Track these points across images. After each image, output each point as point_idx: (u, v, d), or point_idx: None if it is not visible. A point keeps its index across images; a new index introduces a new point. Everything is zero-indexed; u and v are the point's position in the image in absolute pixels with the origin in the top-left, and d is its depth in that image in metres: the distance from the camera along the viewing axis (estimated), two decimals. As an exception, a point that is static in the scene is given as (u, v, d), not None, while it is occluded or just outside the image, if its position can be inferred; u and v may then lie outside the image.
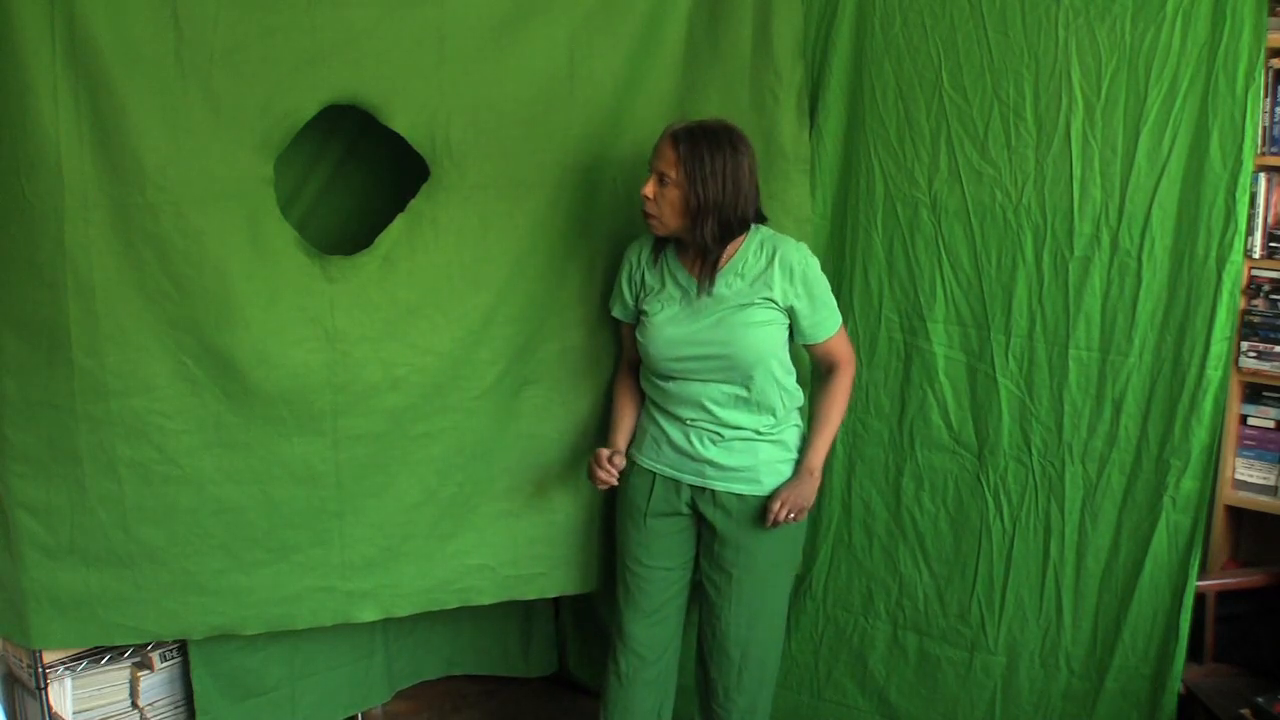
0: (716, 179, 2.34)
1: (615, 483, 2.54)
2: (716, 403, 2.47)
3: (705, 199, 2.34)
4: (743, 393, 2.46)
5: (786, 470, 2.53)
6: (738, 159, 2.36)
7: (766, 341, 2.43)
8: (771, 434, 2.51)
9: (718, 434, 2.49)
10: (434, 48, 2.46)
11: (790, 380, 2.53)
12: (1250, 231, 2.48)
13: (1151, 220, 2.44)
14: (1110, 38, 2.42)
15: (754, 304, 2.42)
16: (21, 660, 2.71)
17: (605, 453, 2.52)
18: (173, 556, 2.53)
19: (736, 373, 2.44)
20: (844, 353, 2.55)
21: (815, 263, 2.46)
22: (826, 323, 2.49)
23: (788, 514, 2.45)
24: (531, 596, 2.88)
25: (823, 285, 2.47)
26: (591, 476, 2.54)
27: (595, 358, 2.74)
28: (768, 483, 2.50)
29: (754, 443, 2.50)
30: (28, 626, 2.53)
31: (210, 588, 2.58)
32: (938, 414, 2.72)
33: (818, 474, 2.52)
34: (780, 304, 2.43)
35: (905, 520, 2.80)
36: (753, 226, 2.46)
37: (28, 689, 2.72)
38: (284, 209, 2.52)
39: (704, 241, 2.39)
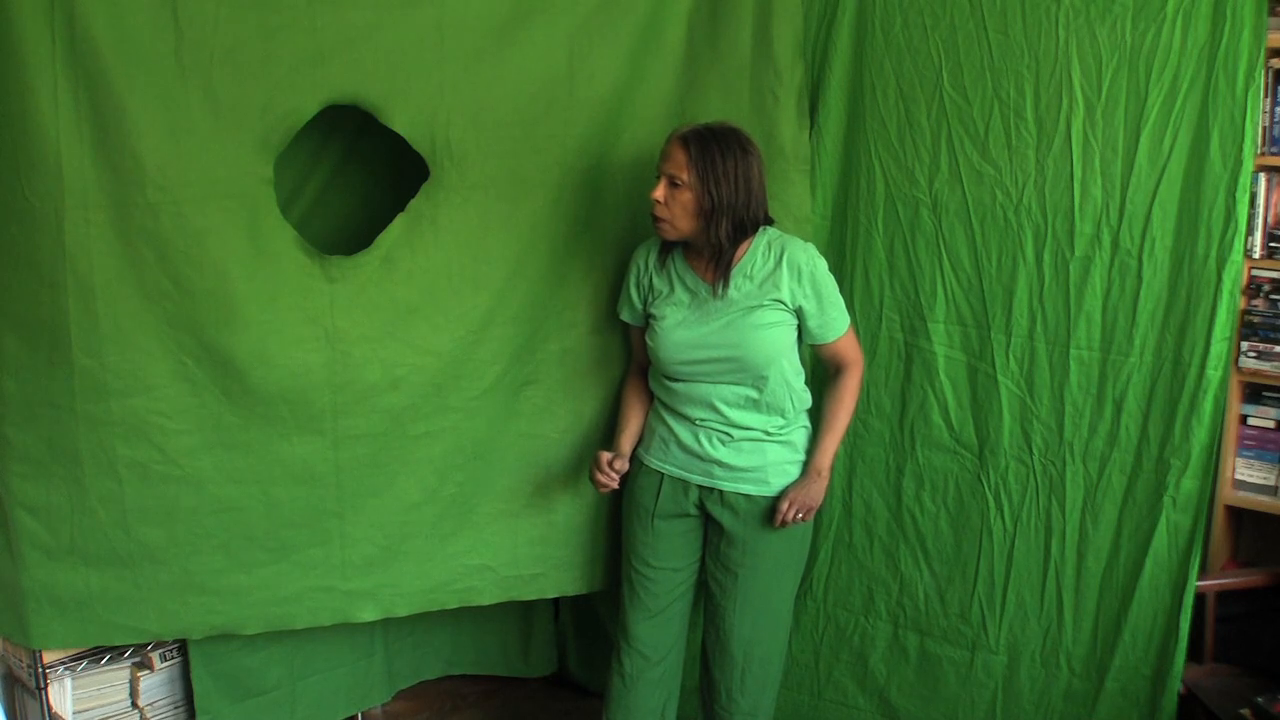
0: (729, 180, 2.35)
1: (615, 486, 2.54)
2: (727, 403, 2.48)
3: (719, 200, 2.35)
4: (754, 394, 2.46)
5: (794, 471, 2.53)
6: (748, 160, 2.38)
7: (776, 343, 2.44)
8: (780, 435, 2.51)
9: (727, 434, 2.49)
10: (434, 48, 2.46)
11: (800, 381, 2.54)
12: (1250, 231, 2.48)
13: (1152, 220, 2.44)
14: (1111, 38, 2.42)
15: (763, 305, 2.42)
16: (21, 660, 2.71)
17: (606, 456, 2.52)
18: (173, 556, 2.53)
19: (748, 374, 2.45)
20: (852, 353, 2.56)
21: (823, 263, 2.46)
22: (835, 323, 2.49)
23: (795, 514, 2.46)
24: (531, 597, 2.87)
25: (830, 285, 2.47)
26: (592, 479, 2.55)
27: (595, 358, 2.74)
28: (775, 483, 2.51)
29: (762, 443, 2.50)
30: (28, 626, 2.52)
31: (210, 587, 2.58)
32: (938, 414, 2.72)
33: (826, 474, 2.53)
34: (789, 305, 2.44)
35: (906, 520, 2.80)
36: (761, 228, 2.46)
37: (28, 689, 2.72)
38: (284, 209, 2.52)
39: (718, 242, 2.39)
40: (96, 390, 2.38)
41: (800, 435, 2.56)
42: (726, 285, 2.43)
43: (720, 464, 2.51)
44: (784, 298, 2.43)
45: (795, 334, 2.49)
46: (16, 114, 2.24)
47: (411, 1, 2.43)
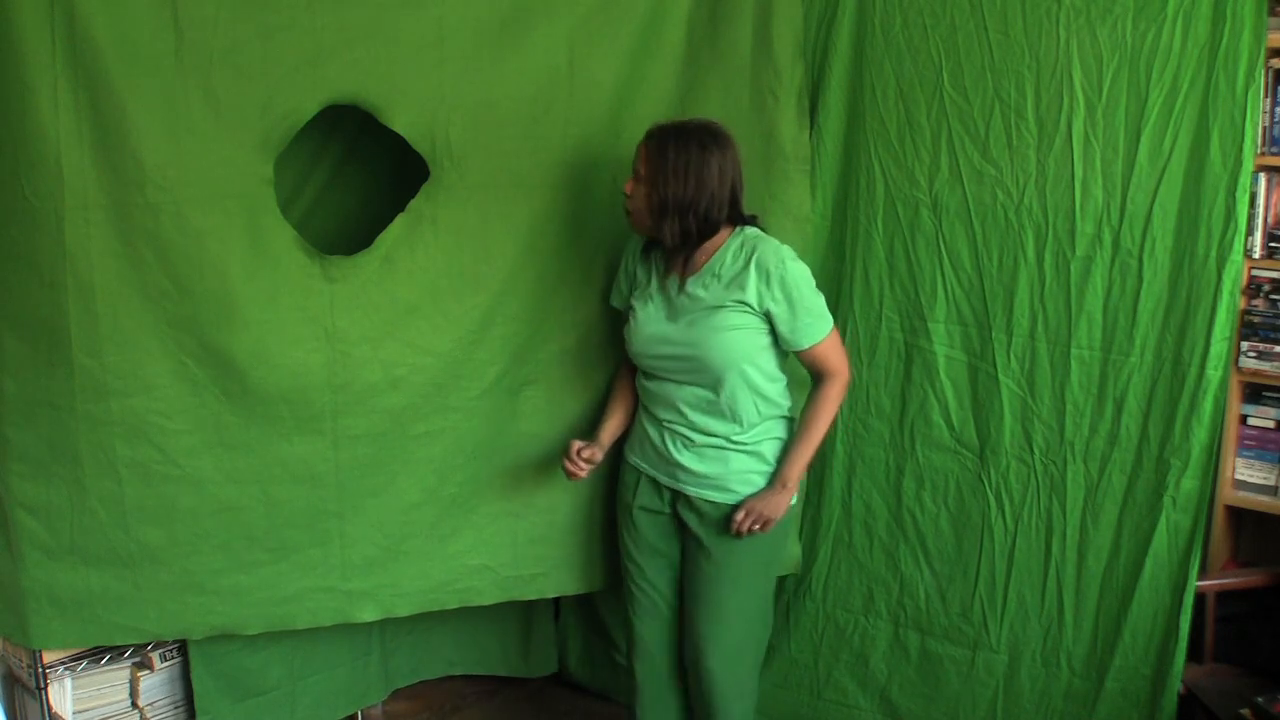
0: (679, 177, 2.30)
1: (582, 475, 2.53)
2: (689, 405, 2.45)
3: (666, 197, 2.32)
4: (712, 396, 2.42)
5: (760, 481, 2.47)
6: (705, 157, 2.31)
7: (737, 346, 2.37)
8: (745, 444, 2.45)
9: (689, 439, 2.47)
10: (434, 48, 2.46)
11: (773, 388, 2.45)
12: (1250, 231, 2.48)
13: (1152, 220, 2.44)
14: (1111, 38, 2.42)
15: (726, 307, 2.37)
16: (21, 660, 2.71)
17: (576, 445, 2.51)
18: (173, 556, 2.53)
19: (706, 376, 2.40)
20: (832, 362, 2.44)
21: (797, 266, 2.37)
22: (809, 329, 2.39)
23: (751, 524, 2.41)
24: (532, 597, 2.87)
25: (804, 289, 2.37)
26: (563, 467, 2.55)
27: (596, 358, 2.74)
28: (740, 491, 2.46)
29: (726, 451, 2.45)
30: (28, 626, 2.52)
31: (210, 588, 2.57)
32: (939, 414, 2.72)
33: (791, 487, 2.46)
34: (756, 308, 2.36)
35: (906, 520, 2.80)
36: (738, 228, 2.41)
37: (28, 689, 2.71)
38: (284, 209, 2.51)
39: (667, 240, 2.37)
40: (96, 390, 2.38)
41: (770, 446, 2.48)
42: (682, 284, 2.41)
43: (683, 469, 2.48)
44: (749, 300, 2.36)
45: (765, 338, 2.41)
46: (16, 114, 2.24)
47: (411, 1, 2.43)
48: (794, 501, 2.53)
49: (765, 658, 2.70)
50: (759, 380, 2.42)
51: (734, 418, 2.43)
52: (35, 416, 2.41)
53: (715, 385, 2.40)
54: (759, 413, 2.44)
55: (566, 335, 2.70)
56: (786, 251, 2.38)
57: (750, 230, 2.41)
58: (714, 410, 2.43)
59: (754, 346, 2.40)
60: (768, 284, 2.35)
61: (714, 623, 2.52)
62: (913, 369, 2.74)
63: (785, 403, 2.50)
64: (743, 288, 2.35)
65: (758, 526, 2.42)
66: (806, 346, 2.41)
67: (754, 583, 2.54)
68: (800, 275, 2.37)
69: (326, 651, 2.96)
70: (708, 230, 2.37)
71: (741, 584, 2.51)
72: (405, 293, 2.53)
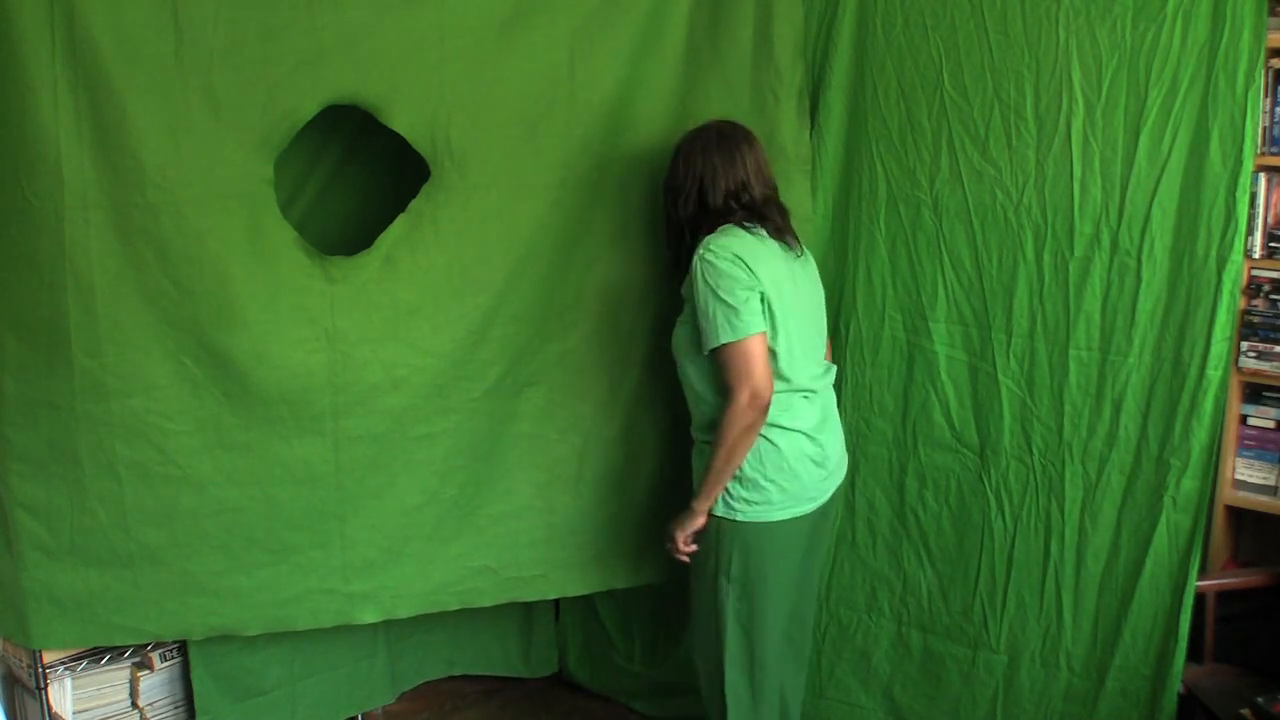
0: (667, 178, 2.44)
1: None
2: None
3: (663, 196, 2.47)
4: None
5: None
6: (676, 158, 2.43)
7: (678, 340, 2.41)
8: (704, 443, 2.40)
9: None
10: (434, 48, 2.46)
11: (712, 394, 2.34)
12: (1250, 231, 2.48)
13: (1152, 220, 2.44)
14: (1111, 38, 2.42)
15: (683, 300, 2.40)
16: (21, 660, 2.71)
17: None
18: (173, 557, 2.53)
19: None
20: (726, 377, 2.26)
21: (710, 265, 2.24)
22: (707, 332, 2.26)
23: (667, 542, 2.43)
24: (533, 598, 2.87)
25: (706, 291, 2.24)
26: None
27: (597, 358, 2.74)
28: (697, 491, 2.42)
29: (698, 445, 2.45)
30: (28, 626, 2.52)
31: (210, 588, 2.57)
32: (940, 413, 2.72)
33: (696, 513, 2.36)
34: (688, 301, 2.35)
35: (909, 518, 2.80)
36: (722, 225, 2.35)
37: (28, 689, 2.71)
38: (284, 209, 2.52)
39: (663, 236, 2.49)
40: (96, 390, 2.38)
41: None
42: (681, 278, 2.45)
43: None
44: (685, 293, 2.36)
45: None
46: (16, 114, 2.24)
47: (411, 1, 2.43)
48: (744, 520, 2.33)
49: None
50: (695, 379, 2.39)
51: (691, 414, 2.46)
52: (35, 416, 2.41)
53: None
54: (703, 414, 2.40)
55: (568, 335, 2.70)
56: (715, 248, 2.27)
57: (725, 226, 2.34)
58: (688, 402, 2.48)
59: (690, 342, 2.36)
60: (691, 276, 2.32)
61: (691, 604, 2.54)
62: (915, 368, 2.74)
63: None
64: (683, 281, 2.40)
65: (669, 544, 2.43)
66: (707, 350, 2.29)
67: (702, 590, 2.44)
68: (706, 274, 2.25)
69: (327, 652, 2.96)
70: (681, 225, 2.43)
71: (695, 587, 2.47)
72: (406, 293, 2.53)
